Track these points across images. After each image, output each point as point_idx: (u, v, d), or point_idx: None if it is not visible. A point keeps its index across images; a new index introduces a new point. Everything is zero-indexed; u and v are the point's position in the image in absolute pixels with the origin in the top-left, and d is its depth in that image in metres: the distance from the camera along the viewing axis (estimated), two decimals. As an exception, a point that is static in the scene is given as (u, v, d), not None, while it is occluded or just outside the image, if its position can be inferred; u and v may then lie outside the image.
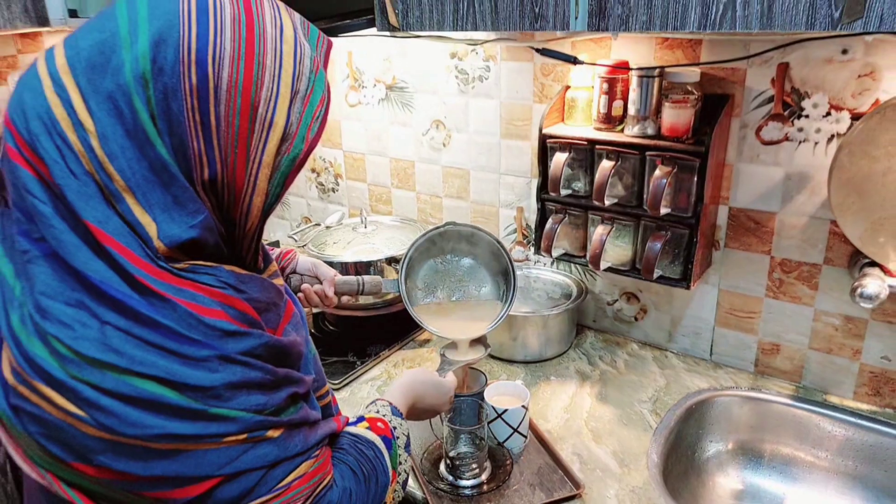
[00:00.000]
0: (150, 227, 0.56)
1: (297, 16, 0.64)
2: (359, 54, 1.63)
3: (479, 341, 1.12)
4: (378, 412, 0.83)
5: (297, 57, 0.60)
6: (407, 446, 0.83)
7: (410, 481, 1.03)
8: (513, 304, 1.14)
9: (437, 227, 1.15)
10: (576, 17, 0.94)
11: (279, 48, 0.59)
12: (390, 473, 0.76)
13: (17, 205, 0.57)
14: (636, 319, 1.42)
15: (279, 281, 0.72)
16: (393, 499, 0.78)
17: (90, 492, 0.57)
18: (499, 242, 1.15)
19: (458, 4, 1.04)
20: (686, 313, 1.35)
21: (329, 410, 0.78)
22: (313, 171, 1.87)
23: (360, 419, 0.81)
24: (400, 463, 0.79)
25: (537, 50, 1.33)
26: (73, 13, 1.26)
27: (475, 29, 1.04)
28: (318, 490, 0.66)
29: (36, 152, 0.55)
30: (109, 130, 0.55)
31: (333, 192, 1.85)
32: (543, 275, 1.49)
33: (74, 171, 0.55)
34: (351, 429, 0.78)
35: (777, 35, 1.08)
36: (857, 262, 1.11)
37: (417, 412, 0.94)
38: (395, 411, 0.85)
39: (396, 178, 1.69)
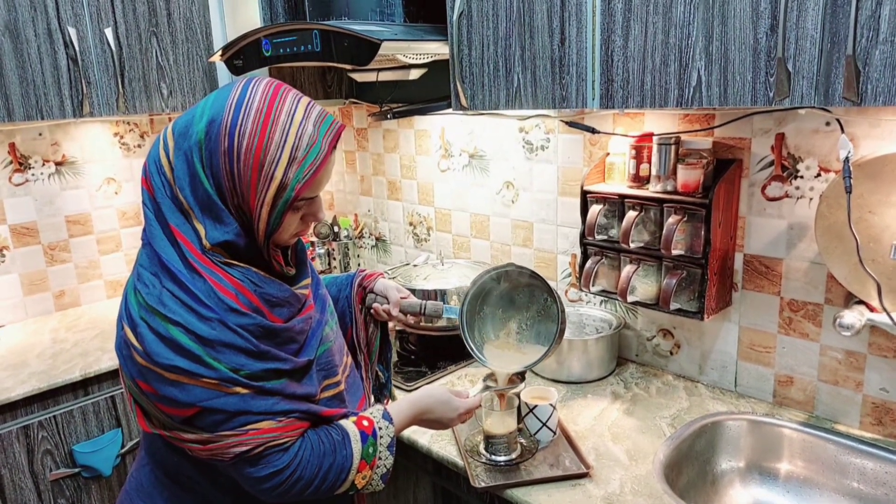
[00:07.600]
0: (202, 232, 0.87)
1: (315, 110, 0.90)
2: (449, 130, 2.02)
3: (518, 376, 1.26)
4: (371, 413, 1.01)
5: (298, 135, 0.87)
6: (390, 447, 0.99)
7: (454, 453, 1.30)
8: (553, 349, 1.22)
9: (499, 267, 1.27)
10: (593, 99, 1.25)
11: (287, 129, 0.86)
12: (354, 458, 0.94)
13: (144, 215, 0.93)
14: (671, 354, 1.62)
15: (305, 292, 0.98)
16: (368, 484, 0.97)
17: (140, 405, 0.91)
18: (554, 292, 1.24)
19: (510, 90, 1.38)
20: (714, 348, 1.53)
21: (333, 402, 1.01)
22: (411, 224, 2.25)
23: (353, 414, 1.00)
24: (378, 457, 0.97)
25: (564, 121, 1.67)
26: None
27: (521, 108, 1.37)
28: (270, 444, 0.88)
29: (151, 182, 0.89)
30: (181, 173, 0.87)
31: (426, 241, 2.21)
32: (594, 313, 1.73)
33: (167, 195, 0.88)
34: (339, 420, 0.98)
35: (737, 109, 1.32)
36: (851, 300, 1.27)
37: (426, 422, 1.12)
38: (386, 416, 1.02)
39: (475, 230, 2.02)
